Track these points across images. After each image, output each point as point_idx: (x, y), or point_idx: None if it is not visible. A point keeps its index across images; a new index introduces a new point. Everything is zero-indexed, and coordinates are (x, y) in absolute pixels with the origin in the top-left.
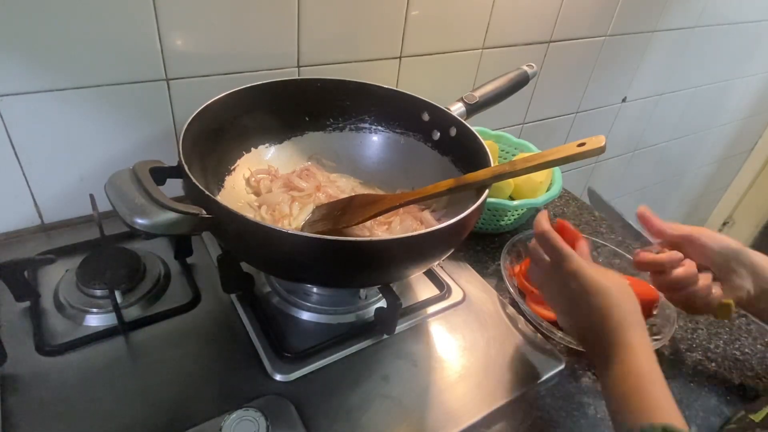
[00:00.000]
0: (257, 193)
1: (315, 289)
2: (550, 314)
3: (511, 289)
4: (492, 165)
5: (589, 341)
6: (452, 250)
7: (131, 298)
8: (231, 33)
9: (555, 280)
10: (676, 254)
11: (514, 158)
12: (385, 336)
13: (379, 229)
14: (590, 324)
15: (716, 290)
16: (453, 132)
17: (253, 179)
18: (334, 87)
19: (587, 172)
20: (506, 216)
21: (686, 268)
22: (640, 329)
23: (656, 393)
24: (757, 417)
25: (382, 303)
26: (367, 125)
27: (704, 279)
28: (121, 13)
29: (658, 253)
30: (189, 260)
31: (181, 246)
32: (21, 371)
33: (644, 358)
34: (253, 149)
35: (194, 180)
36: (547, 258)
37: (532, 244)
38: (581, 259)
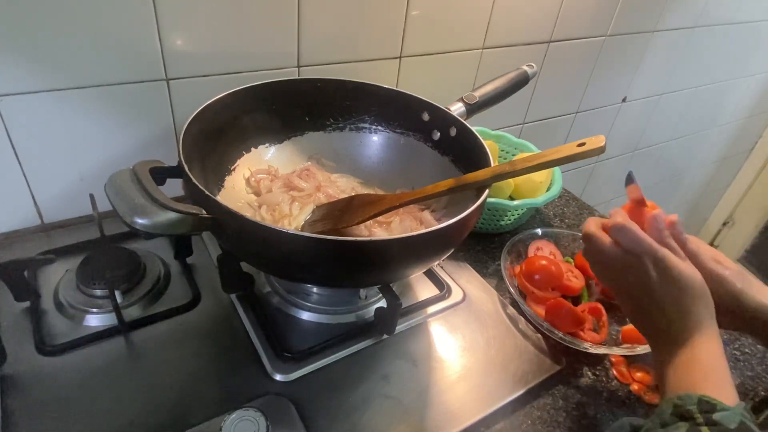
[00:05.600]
0: (257, 193)
1: (315, 289)
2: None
3: (512, 289)
4: (492, 165)
5: (652, 324)
6: (452, 250)
7: (131, 298)
8: (231, 33)
9: (632, 267)
10: None
11: (514, 158)
12: (385, 336)
13: (379, 229)
14: (660, 308)
15: None
16: (453, 132)
17: (253, 179)
18: (334, 87)
19: (587, 172)
20: (506, 216)
21: None
22: (710, 317)
23: (716, 376)
24: (757, 418)
25: (382, 303)
26: (367, 125)
27: None
28: (121, 13)
29: None
30: (189, 260)
31: (181, 246)
32: (21, 371)
33: (711, 345)
34: (253, 149)
35: (194, 180)
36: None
37: (590, 228)
38: (666, 250)
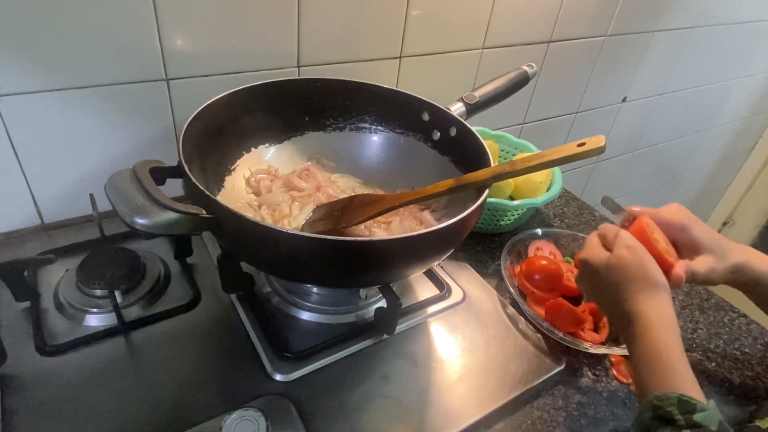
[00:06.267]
0: (257, 193)
1: (315, 289)
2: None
3: (512, 289)
4: (492, 165)
5: (615, 321)
6: (452, 250)
7: (131, 298)
8: (231, 33)
9: (583, 274)
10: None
11: (514, 158)
12: (385, 336)
13: (379, 229)
14: (609, 304)
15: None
16: (453, 132)
17: (253, 179)
18: (334, 87)
19: (587, 172)
20: (506, 216)
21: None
22: (653, 298)
23: (673, 365)
24: (763, 424)
25: (382, 303)
26: (367, 125)
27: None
28: (121, 13)
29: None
30: (189, 260)
31: (181, 246)
32: (21, 371)
33: (659, 329)
34: (253, 149)
35: (194, 180)
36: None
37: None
38: (591, 245)
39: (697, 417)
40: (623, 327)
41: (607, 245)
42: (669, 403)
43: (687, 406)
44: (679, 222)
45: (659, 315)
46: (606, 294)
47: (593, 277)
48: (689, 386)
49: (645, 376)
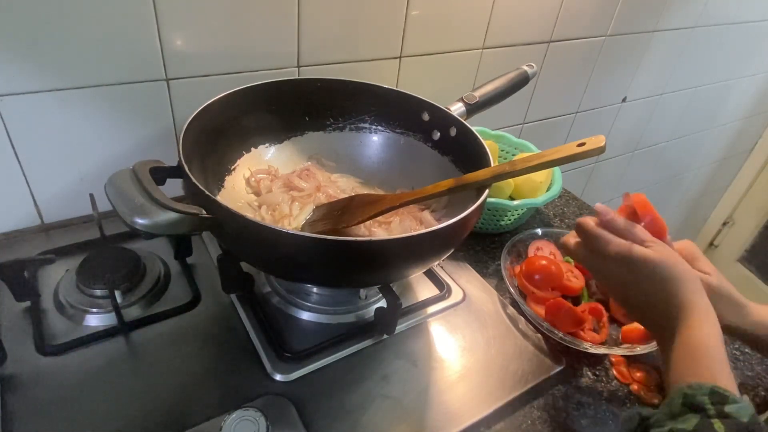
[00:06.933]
0: (257, 193)
1: (315, 289)
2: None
3: (512, 289)
4: (492, 165)
5: (649, 318)
6: (452, 250)
7: (131, 298)
8: (231, 33)
9: (604, 265)
10: None
11: (514, 158)
12: (385, 336)
13: (379, 229)
14: (648, 301)
15: None
16: (453, 132)
17: (253, 179)
18: (334, 87)
19: (587, 172)
20: (506, 216)
21: None
22: (698, 289)
23: (716, 358)
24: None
25: (382, 303)
26: (367, 125)
27: None
28: (121, 13)
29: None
30: (189, 260)
31: (181, 246)
32: (21, 371)
33: (708, 321)
34: (253, 149)
35: (194, 180)
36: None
37: (565, 238)
38: (622, 240)
39: (728, 408)
40: (665, 321)
41: (620, 233)
42: (701, 393)
43: (719, 397)
44: (688, 252)
45: (706, 305)
46: (642, 289)
47: (627, 270)
48: (725, 378)
49: (687, 370)
